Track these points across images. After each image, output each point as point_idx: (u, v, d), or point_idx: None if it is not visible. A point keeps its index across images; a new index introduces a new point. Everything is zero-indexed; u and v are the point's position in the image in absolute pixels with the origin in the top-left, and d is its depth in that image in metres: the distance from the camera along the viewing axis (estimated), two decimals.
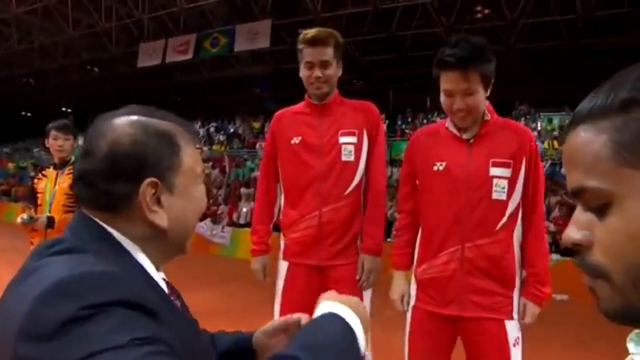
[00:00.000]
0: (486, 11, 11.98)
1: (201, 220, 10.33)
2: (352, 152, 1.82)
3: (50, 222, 2.71)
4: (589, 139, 0.44)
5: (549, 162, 10.67)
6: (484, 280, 1.55)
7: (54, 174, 2.95)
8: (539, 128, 12.68)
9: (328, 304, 0.68)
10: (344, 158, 1.81)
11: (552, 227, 7.77)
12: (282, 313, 1.80)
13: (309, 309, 1.79)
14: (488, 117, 1.60)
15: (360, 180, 1.85)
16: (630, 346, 0.49)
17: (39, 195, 2.96)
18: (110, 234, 0.66)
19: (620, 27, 11.45)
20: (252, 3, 12.92)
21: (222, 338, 0.87)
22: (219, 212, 10.47)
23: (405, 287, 1.70)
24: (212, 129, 18.66)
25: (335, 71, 1.85)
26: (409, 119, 15.57)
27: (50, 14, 14.27)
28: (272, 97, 19.45)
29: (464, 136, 1.61)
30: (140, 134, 0.68)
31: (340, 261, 1.81)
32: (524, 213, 1.61)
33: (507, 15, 11.69)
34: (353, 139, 1.83)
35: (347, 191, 1.82)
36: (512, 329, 1.56)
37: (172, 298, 0.72)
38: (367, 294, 1.85)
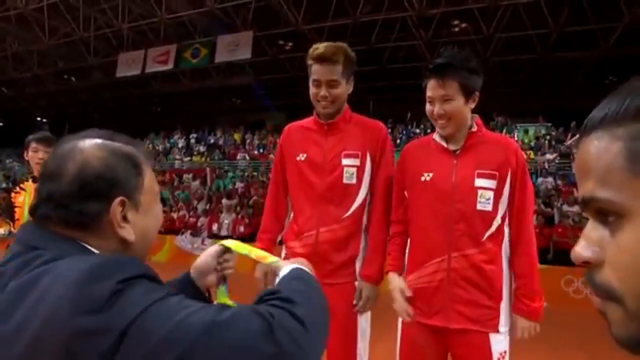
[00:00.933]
0: (463, 25, 12.32)
1: (181, 233, 10.17)
2: (354, 175, 1.78)
3: None
4: (603, 147, 0.41)
5: None
6: (470, 291, 1.54)
7: (32, 187, 2.86)
8: (515, 139, 13.01)
9: (287, 267, 0.85)
10: (345, 181, 1.78)
11: None
12: None
13: None
14: (475, 129, 1.62)
15: (362, 204, 1.81)
16: None
17: (17, 209, 2.86)
18: (87, 248, 0.70)
19: (590, 41, 11.93)
20: (233, 14, 12.95)
21: None
22: (199, 224, 10.32)
23: (402, 283, 1.69)
24: (192, 140, 18.48)
25: (344, 89, 1.78)
26: (389, 130, 15.77)
27: (25, 21, 13.98)
28: (253, 108, 19.45)
29: (451, 147, 1.63)
30: (109, 157, 0.73)
31: (336, 280, 1.76)
32: (511, 225, 1.60)
33: (484, 30, 12.04)
34: (356, 162, 1.79)
35: (347, 214, 1.78)
36: (498, 342, 1.54)
37: None
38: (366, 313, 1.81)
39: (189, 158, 17.09)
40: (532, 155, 12.13)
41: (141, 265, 0.66)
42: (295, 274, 0.81)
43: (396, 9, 11.67)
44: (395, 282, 1.72)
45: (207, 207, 11.04)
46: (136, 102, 20.81)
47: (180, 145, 18.36)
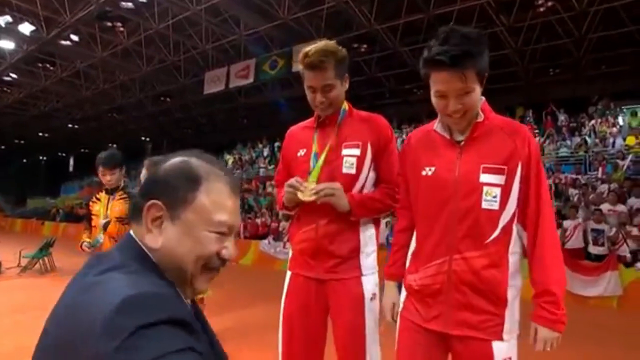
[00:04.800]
0: (549, 3, 11.22)
1: (264, 238, 10.62)
2: (354, 165, 1.77)
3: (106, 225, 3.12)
4: None
5: (629, 158, 9.67)
6: (470, 296, 1.41)
7: (106, 199, 3.21)
8: (621, 123, 11.53)
9: None
10: (344, 170, 1.77)
11: (635, 231, 6.97)
12: (283, 326, 1.83)
13: (309, 319, 1.78)
14: (481, 117, 1.45)
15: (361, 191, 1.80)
16: None
17: (93, 217, 3.24)
18: (148, 256, 0.75)
19: None
20: (306, 23, 13.29)
21: None
22: (280, 228, 10.68)
23: (396, 297, 1.62)
24: (276, 148, 19.25)
25: (339, 91, 1.79)
26: None
27: (128, 54, 15.76)
28: None
29: (455, 138, 1.48)
30: (174, 168, 0.78)
31: (342, 275, 1.76)
32: (526, 225, 1.42)
33: (575, 5, 10.89)
34: (356, 152, 1.79)
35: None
36: (501, 351, 1.40)
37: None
38: (374, 308, 1.78)
39: (273, 166, 17.83)
40: None
41: (173, 308, 0.66)
42: None
43: None
44: (390, 294, 1.63)
45: None
46: (224, 116, 22.27)
47: (265, 154, 19.23)
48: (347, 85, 1.84)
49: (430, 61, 1.36)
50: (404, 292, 1.60)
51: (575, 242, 7.40)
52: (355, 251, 1.78)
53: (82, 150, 32.32)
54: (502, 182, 1.39)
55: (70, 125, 25.37)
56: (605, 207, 7.72)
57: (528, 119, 13.81)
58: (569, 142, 12.12)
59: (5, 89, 19.57)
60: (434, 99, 1.43)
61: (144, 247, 0.75)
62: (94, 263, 0.73)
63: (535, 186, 1.40)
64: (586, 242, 7.37)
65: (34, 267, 8.87)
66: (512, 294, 1.42)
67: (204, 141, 23.79)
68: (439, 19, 12.18)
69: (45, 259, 9.09)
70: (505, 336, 1.41)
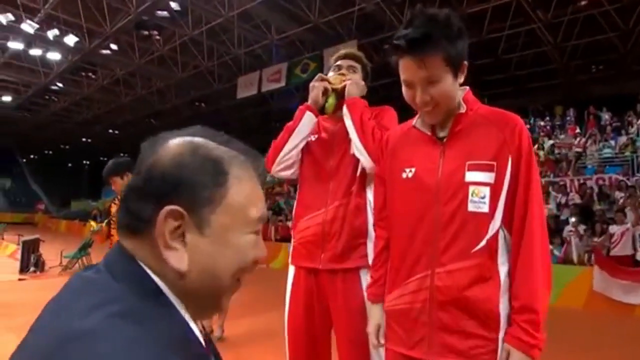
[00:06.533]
0: None
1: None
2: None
3: None
4: None
5: None
6: (457, 317, 1.19)
7: None
8: None
9: None
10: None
11: None
12: (288, 331, 1.80)
13: (313, 324, 1.73)
14: (463, 108, 1.26)
15: (361, 176, 1.74)
16: None
17: (113, 219, 3.29)
18: (152, 280, 0.55)
19: None
20: (337, 26, 13.29)
21: None
22: None
23: (381, 319, 1.41)
24: None
25: (360, 81, 1.89)
26: None
27: (164, 61, 16.29)
28: None
29: (437, 134, 1.29)
30: (185, 155, 0.56)
31: (346, 265, 1.68)
32: (510, 229, 1.21)
33: None
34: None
35: (352, 189, 1.73)
36: None
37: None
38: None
39: None
40: None
41: None
42: None
43: None
44: (376, 316, 1.42)
45: None
46: (257, 120, 22.59)
47: None
48: (364, 91, 1.95)
49: (393, 47, 1.20)
50: (384, 318, 1.42)
51: (623, 248, 6.99)
52: (363, 236, 1.70)
53: (122, 154, 33.52)
54: (492, 181, 1.19)
55: (110, 131, 26.47)
56: None
57: (569, 118, 13.26)
58: (612, 142, 11.52)
59: (53, 97, 20.69)
60: (403, 90, 1.27)
61: (146, 269, 0.54)
62: (81, 286, 0.53)
63: (524, 182, 1.19)
64: (635, 249, 6.96)
65: (74, 266, 9.26)
66: (506, 313, 1.20)
67: None
68: (472, 17, 11.89)
69: (84, 258, 9.46)
70: None
